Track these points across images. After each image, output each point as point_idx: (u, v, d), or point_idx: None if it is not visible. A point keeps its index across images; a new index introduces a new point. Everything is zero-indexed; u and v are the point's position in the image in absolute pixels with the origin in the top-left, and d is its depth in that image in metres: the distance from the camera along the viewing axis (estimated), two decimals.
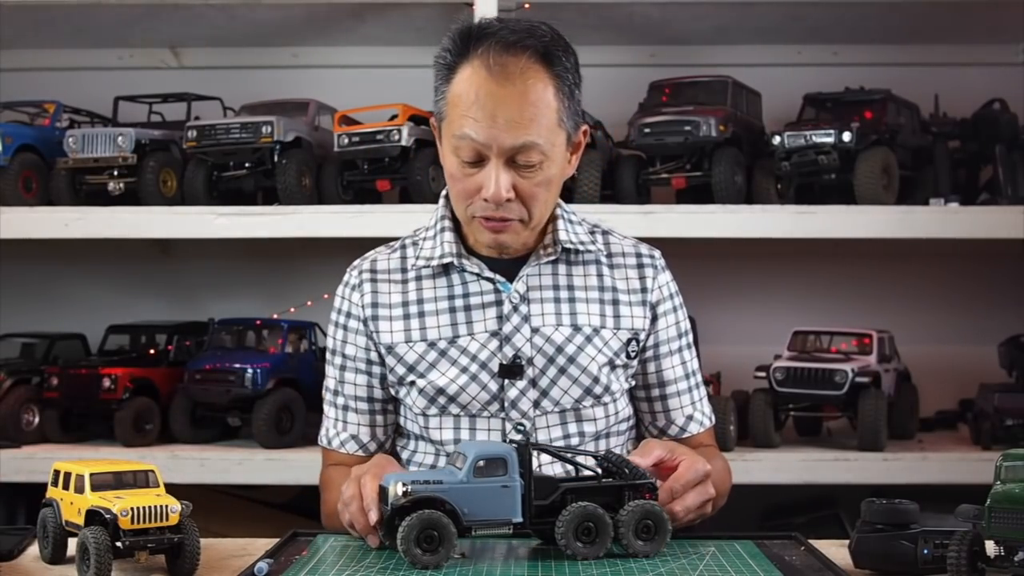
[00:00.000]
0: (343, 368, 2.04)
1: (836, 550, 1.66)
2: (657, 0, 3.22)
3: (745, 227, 3.03)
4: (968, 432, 3.28)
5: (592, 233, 2.04)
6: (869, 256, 3.42)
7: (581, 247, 1.99)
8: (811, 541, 1.69)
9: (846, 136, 3.02)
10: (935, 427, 3.42)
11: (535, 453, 1.73)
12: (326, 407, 2.09)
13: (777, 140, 3.06)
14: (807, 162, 3.04)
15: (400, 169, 3.11)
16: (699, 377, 2.11)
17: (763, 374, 3.10)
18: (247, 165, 3.17)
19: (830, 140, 3.02)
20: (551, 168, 1.86)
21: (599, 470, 1.66)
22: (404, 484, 1.52)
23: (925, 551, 1.51)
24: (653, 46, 3.58)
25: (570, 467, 1.73)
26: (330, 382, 2.07)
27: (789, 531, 1.75)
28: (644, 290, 2.01)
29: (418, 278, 1.99)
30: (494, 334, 1.93)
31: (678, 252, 2.13)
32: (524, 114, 1.81)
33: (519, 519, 1.55)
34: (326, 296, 3.27)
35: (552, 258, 1.98)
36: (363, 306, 1.99)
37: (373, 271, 2.02)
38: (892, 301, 3.53)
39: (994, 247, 3.08)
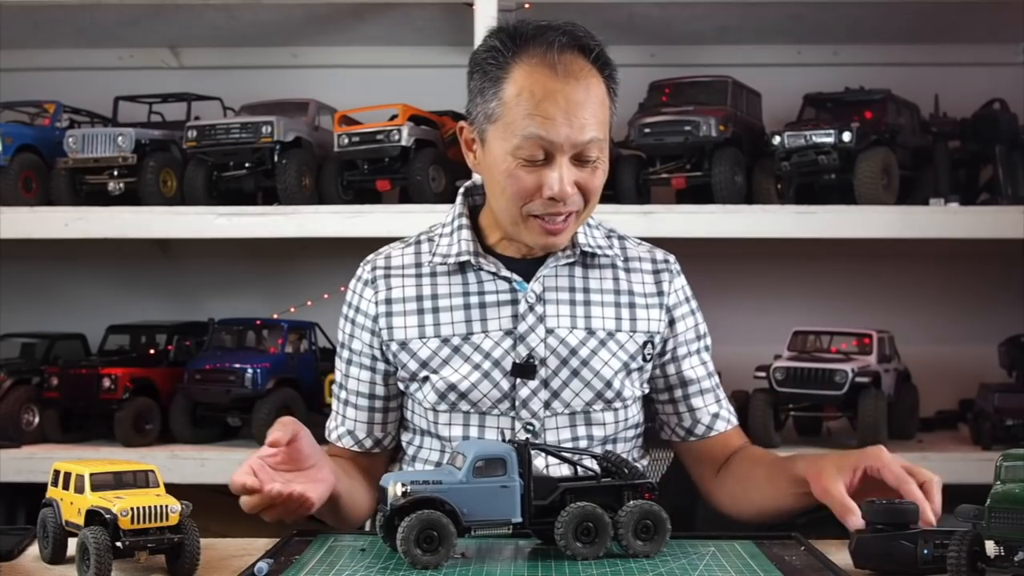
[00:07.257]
0: (349, 362, 2.05)
1: (836, 550, 1.65)
2: (657, 0, 3.22)
3: (745, 227, 3.03)
4: (968, 432, 3.27)
5: (609, 238, 2.05)
6: (869, 256, 3.42)
7: (599, 251, 2.00)
8: (811, 541, 1.68)
9: (846, 136, 3.01)
10: (935, 427, 3.41)
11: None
12: (332, 398, 2.10)
13: (777, 140, 3.06)
14: (807, 162, 3.04)
15: (400, 169, 3.10)
16: (719, 380, 2.11)
17: (763, 374, 3.10)
18: (247, 165, 3.17)
19: (830, 140, 3.02)
20: (605, 164, 1.89)
21: (598, 470, 1.66)
22: (403, 484, 1.52)
23: (925, 551, 1.51)
24: (653, 46, 3.58)
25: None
26: (337, 374, 2.09)
27: (789, 531, 1.75)
28: (661, 293, 2.02)
29: (433, 274, 1.99)
30: (508, 333, 1.94)
31: (678, 252, 2.13)
32: (590, 111, 1.83)
33: (518, 519, 1.55)
34: (326, 296, 3.29)
35: (570, 260, 1.98)
36: (375, 303, 1.99)
37: (387, 267, 2.02)
38: (892, 301, 3.53)
39: (994, 247, 3.07)
